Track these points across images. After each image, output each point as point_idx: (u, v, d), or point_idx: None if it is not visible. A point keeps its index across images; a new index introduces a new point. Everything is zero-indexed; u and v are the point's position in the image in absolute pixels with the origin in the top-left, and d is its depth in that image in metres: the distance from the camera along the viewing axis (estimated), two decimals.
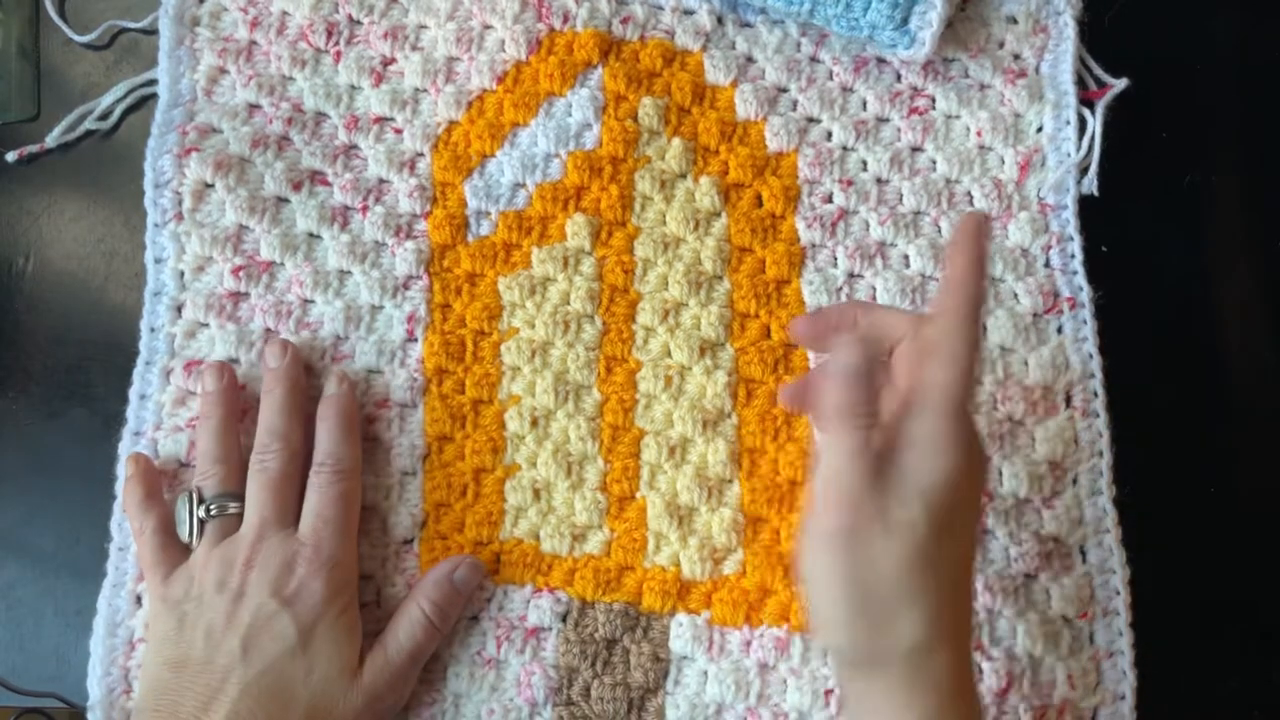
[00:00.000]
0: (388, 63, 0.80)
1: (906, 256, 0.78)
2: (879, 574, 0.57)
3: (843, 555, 0.57)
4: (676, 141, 0.79)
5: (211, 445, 0.71)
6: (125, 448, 0.73)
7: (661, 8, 0.81)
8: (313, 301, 0.76)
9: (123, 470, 0.72)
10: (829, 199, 0.79)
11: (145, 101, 0.80)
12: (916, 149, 0.80)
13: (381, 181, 0.78)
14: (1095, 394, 0.75)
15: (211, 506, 0.69)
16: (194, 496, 0.70)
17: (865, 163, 0.79)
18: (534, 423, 0.75)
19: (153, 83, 0.80)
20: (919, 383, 0.60)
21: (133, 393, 0.74)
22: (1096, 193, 0.78)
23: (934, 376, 0.59)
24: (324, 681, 0.65)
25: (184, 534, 0.69)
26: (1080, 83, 0.80)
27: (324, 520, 0.69)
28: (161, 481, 0.72)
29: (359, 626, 0.68)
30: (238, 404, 0.73)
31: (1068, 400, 0.75)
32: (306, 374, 0.74)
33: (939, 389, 0.59)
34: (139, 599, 0.71)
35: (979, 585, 0.72)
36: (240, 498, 0.70)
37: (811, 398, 0.66)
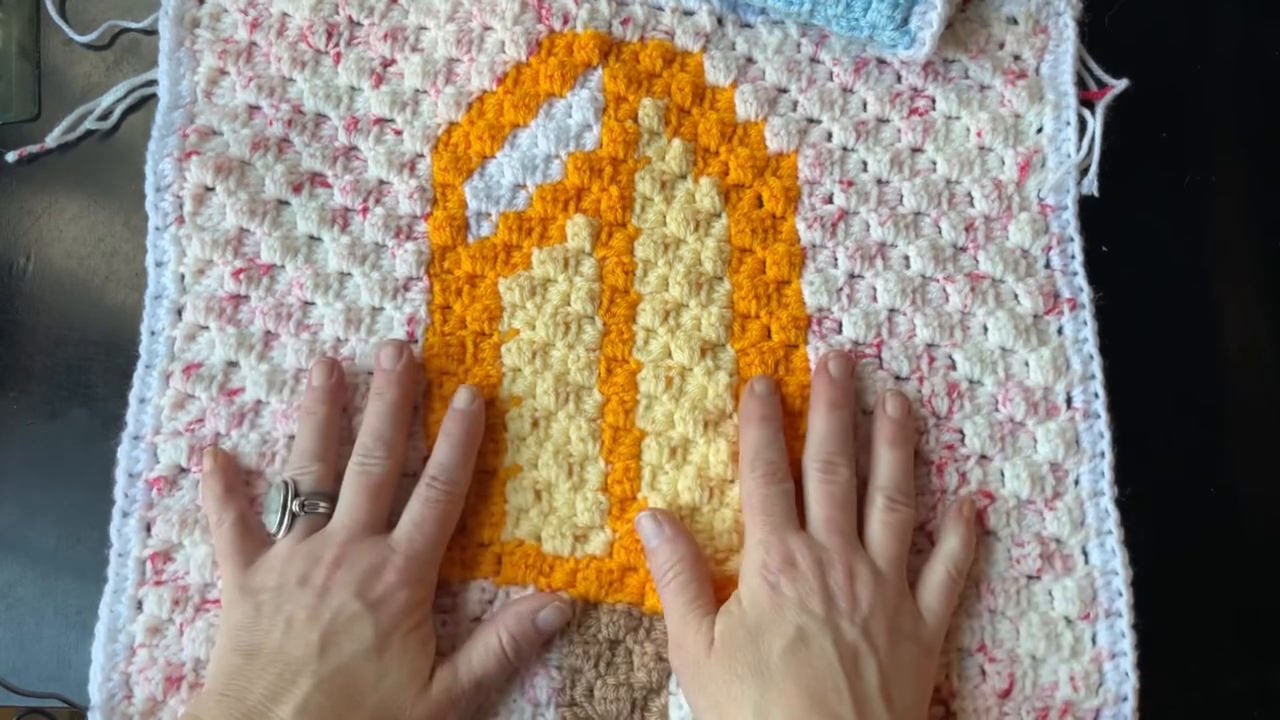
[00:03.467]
0: (388, 64, 0.80)
1: (907, 257, 0.78)
2: None
3: None
4: (677, 142, 0.79)
5: (312, 442, 0.72)
6: (124, 452, 0.73)
7: (661, 9, 0.81)
8: (313, 304, 0.76)
9: (125, 450, 0.73)
10: (829, 200, 0.79)
11: (145, 101, 0.80)
12: (917, 150, 0.80)
13: (381, 183, 0.78)
14: (1096, 395, 0.75)
15: (305, 502, 0.70)
16: (289, 488, 0.70)
17: (865, 163, 0.79)
18: (535, 424, 0.75)
19: (153, 83, 0.80)
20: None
21: (132, 396, 0.74)
22: (1097, 193, 0.79)
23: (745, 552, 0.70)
24: (393, 688, 0.66)
25: (272, 524, 0.70)
26: (1080, 83, 0.80)
27: (422, 533, 0.69)
28: (241, 476, 0.73)
29: (433, 641, 0.69)
30: (343, 401, 0.74)
31: (1069, 401, 0.75)
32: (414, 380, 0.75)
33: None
34: (139, 604, 0.71)
35: (982, 587, 0.72)
36: (331, 498, 0.70)
37: None
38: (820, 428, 0.72)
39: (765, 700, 0.63)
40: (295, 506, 0.70)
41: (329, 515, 0.70)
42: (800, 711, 0.63)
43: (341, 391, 0.74)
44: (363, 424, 0.72)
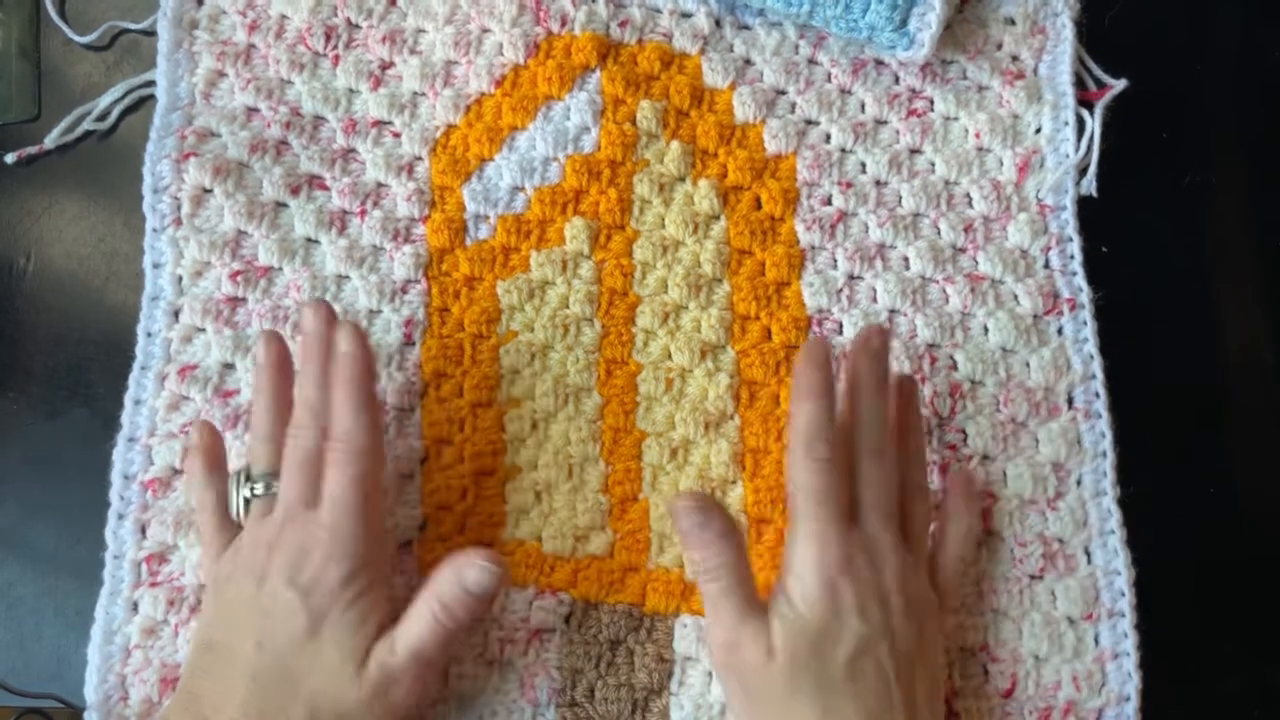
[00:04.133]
0: (386, 66, 0.80)
1: (906, 258, 0.78)
2: None
3: None
4: (675, 145, 0.79)
5: (260, 421, 0.69)
6: (119, 453, 0.73)
7: (659, 10, 0.81)
8: None
9: (120, 452, 0.73)
10: (828, 201, 0.79)
11: (144, 102, 0.80)
12: (915, 151, 0.80)
13: (380, 185, 0.78)
14: (1097, 395, 0.75)
15: (257, 485, 0.67)
16: (241, 475, 0.68)
17: (864, 165, 0.79)
18: (534, 425, 0.74)
19: (151, 83, 0.79)
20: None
21: (128, 398, 0.74)
22: (1096, 193, 0.79)
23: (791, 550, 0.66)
24: (330, 671, 0.63)
25: (234, 512, 0.68)
26: (1080, 83, 0.80)
27: (339, 504, 0.64)
28: (223, 455, 0.70)
29: (375, 614, 0.65)
30: (290, 377, 0.70)
31: (1070, 401, 0.75)
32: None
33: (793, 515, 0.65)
34: (135, 606, 0.71)
35: (985, 587, 0.72)
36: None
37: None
38: (867, 412, 0.68)
39: (826, 718, 0.62)
40: (247, 492, 0.68)
41: None
42: None
43: (288, 365, 0.70)
44: (294, 396, 0.69)
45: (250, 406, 0.72)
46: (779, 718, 0.63)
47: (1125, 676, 0.70)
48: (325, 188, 0.78)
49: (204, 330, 0.75)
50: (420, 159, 0.79)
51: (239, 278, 0.76)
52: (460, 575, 0.65)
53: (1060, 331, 0.76)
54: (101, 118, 0.80)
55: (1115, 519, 0.72)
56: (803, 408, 0.66)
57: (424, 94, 0.80)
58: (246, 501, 0.68)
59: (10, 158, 0.79)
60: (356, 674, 0.63)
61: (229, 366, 0.75)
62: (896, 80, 0.81)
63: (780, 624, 0.63)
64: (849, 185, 0.79)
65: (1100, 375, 0.75)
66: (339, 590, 0.64)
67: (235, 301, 0.76)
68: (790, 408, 0.67)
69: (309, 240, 0.77)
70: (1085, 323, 0.76)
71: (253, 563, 0.65)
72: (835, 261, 0.77)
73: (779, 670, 0.62)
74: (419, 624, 0.65)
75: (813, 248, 0.78)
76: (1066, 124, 0.80)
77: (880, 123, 0.80)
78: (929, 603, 0.67)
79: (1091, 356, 0.76)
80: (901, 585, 0.64)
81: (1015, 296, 0.77)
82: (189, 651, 0.67)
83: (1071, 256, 0.78)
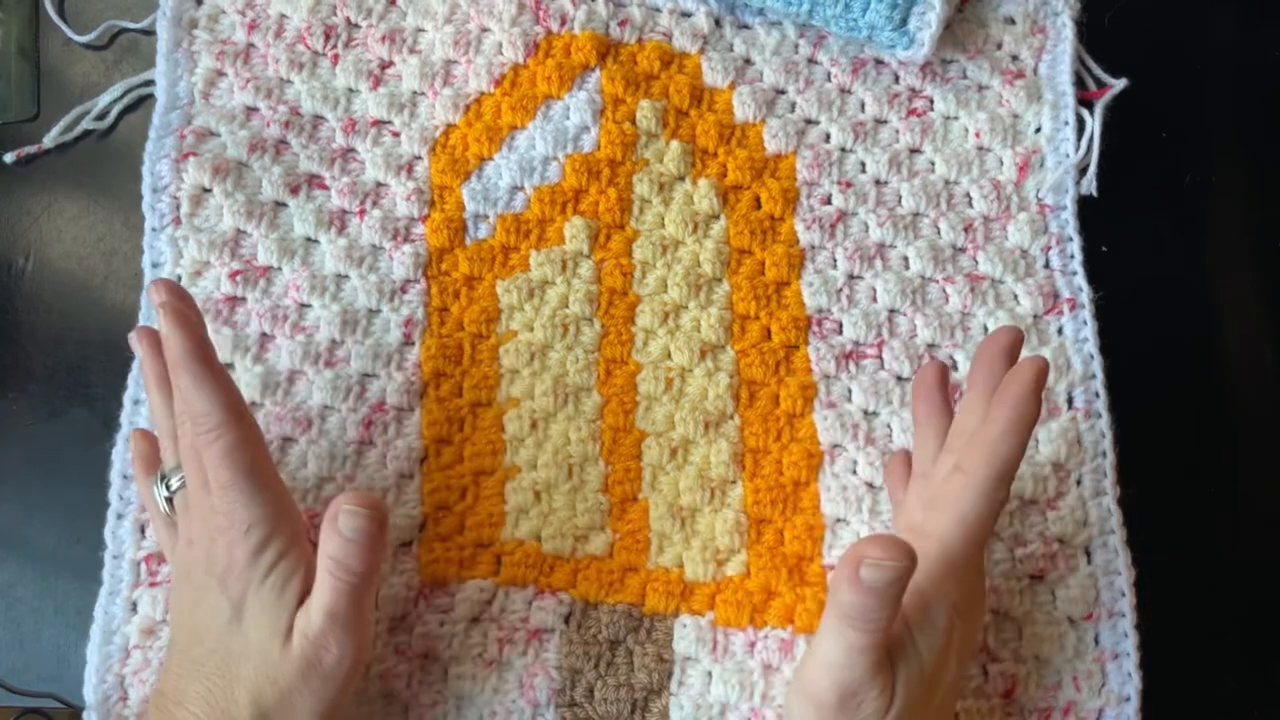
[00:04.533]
0: (385, 66, 0.80)
1: (906, 258, 0.78)
2: None
3: None
4: (675, 144, 0.79)
5: (157, 419, 0.68)
6: (118, 454, 0.73)
7: (659, 10, 0.81)
8: (310, 305, 0.76)
9: (119, 452, 0.72)
10: (828, 200, 0.79)
11: (143, 101, 0.80)
12: (915, 150, 0.80)
13: (379, 185, 0.78)
14: (1097, 394, 0.75)
15: (171, 481, 0.66)
16: (159, 477, 0.67)
17: (864, 164, 0.80)
18: (534, 425, 0.74)
19: (150, 82, 0.79)
20: (921, 532, 0.60)
21: (127, 398, 0.74)
22: (1096, 193, 0.79)
23: (939, 530, 0.60)
24: (258, 653, 0.61)
25: (162, 513, 0.67)
26: (1080, 83, 0.81)
27: (221, 483, 0.62)
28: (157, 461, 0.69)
29: (294, 581, 0.62)
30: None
31: (1070, 401, 0.75)
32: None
33: (939, 545, 0.59)
34: (134, 606, 0.71)
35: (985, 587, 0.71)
36: None
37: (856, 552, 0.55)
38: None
39: None
40: (165, 490, 0.67)
41: None
42: None
43: (160, 360, 0.67)
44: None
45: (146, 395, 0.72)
46: None
47: (1125, 676, 0.70)
48: (324, 187, 0.78)
49: None
50: (420, 158, 0.79)
51: (238, 277, 0.75)
52: (336, 527, 0.61)
53: (1060, 331, 0.76)
54: (100, 117, 0.80)
55: (1115, 519, 0.72)
56: (1009, 442, 0.60)
57: (423, 93, 0.80)
58: (169, 500, 0.67)
59: (9, 157, 0.79)
60: (283, 649, 0.61)
61: (229, 366, 0.74)
62: (896, 80, 0.81)
63: (905, 673, 0.58)
64: (849, 185, 0.79)
65: (1100, 375, 0.75)
66: (248, 568, 0.62)
67: (235, 301, 0.76)
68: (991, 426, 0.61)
69: (308, 240, 0.77)
70: (1085, 322, 0.76)
71: (183, 560, 0.65)
72: (835, 261, 0.77)
73: (892, 717, 0.58)
74: (322, 586, 0.62)
75: (812, 247, 0.78)
76: (1066, 123, 0.80)
77: (880, 122, 0.80)
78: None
79: (1091, 356, 0.76)
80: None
81: (1015, 296, 0.77)
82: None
83: (1071, 256, 0.78)
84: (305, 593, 0.62)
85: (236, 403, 0.64)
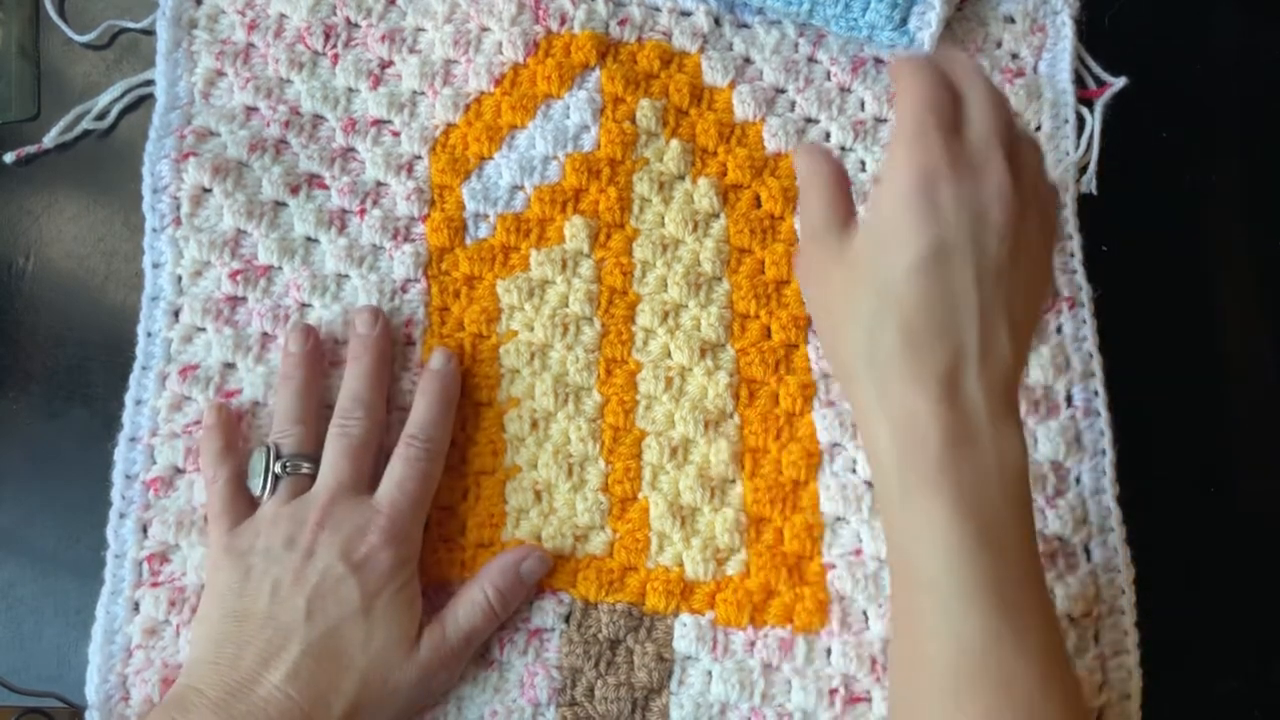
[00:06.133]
0: (385, 65, 0.80)
1: None
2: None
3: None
4: (675, 143, 0.79)
5: (292, 405, 0.72)
6: (121, 453, 0.73)
7: (659, 9, 0.81)
8: (310, 305, 0.76)
9: (120, 452, 0.73)
10: None
11: (143, 101, 0.80)
12: None
13: (379, 184, 0.78)
14: (1096, 393, 0.75)
15: (288, 464, 0.70)
16: (271, 451, 0.70)
17: (864, 163, 0.79)
18: (534, 425, 0.74)
19: (150, 82, 0.79)
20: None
21: (129, 398, 0.74)
22: (1096, 192, 0.79)
23: (887, 161, 0.61)
24: (381, 650, 0.66)
25: (256, 487, 0.70)
26: (1080, 82, 0.80)
27: (404, 493, 0.69)
28: (240, 435, 0.73)
29: (419, 601, 0.69)
30: (322, 367, 0.74)
31: (1069, 400, 0.75)
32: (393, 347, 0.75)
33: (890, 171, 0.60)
34: (136, 606, 0.71)
35: None
36: (314, 460, 0.70)
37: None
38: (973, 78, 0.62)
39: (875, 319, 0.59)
40: (278, 469, 0.70)
41: (313, 477, 0.70)
42: (924, 336, 0.58)
43: (319, 356, 0.74)
44: (341, 388, 0.72)
45: (248, 403, 0.74)
46: (837, 325, 0.61)
47: (1126, 675, 0.70)
48: (325, 187, 0.78)
49: (204, 330, 0.75)
50: (420, 158, 0.79)
51: (239, 277, 0.75)
52: (516, 563, 0.70)
53: (1060, 330, 0.76)
54: (100, 117, 0.80)
55: (1115, 517, 0.72)
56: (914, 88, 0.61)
57: (423, 93, 0.80)
58: (276, 478, 0.70)
59: (9, 157, 0.79)
60: (407, 655, 0.67)
61: (230, 366, 0.75)
62: None
63: (861, 229, 0.61)
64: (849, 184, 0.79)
65: (1100, 373, 0.75)
66: (393, 573, 0.67)
67: (235, 301, 0.76)
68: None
69: (309, 239, 0.77)
70: (1085, 321, 0.76)
71: (293, 537, 0.67)
72: None
73: (844, 274, 0.61)
74: (474, 609, 0.69)
75: None
76: (1066, 122, 0.80)
77: (880, 121, 0.80)
78: (1041, 221, 0.62)
79: (1091, 355, 0.75)
80: (1006, 204, 0.58)
81: None
82: (205, 626, 0.67)
83: (1071, 255, 0.77)
84: (419, 614, 0.69)
85: (449, 442, 0.73)
